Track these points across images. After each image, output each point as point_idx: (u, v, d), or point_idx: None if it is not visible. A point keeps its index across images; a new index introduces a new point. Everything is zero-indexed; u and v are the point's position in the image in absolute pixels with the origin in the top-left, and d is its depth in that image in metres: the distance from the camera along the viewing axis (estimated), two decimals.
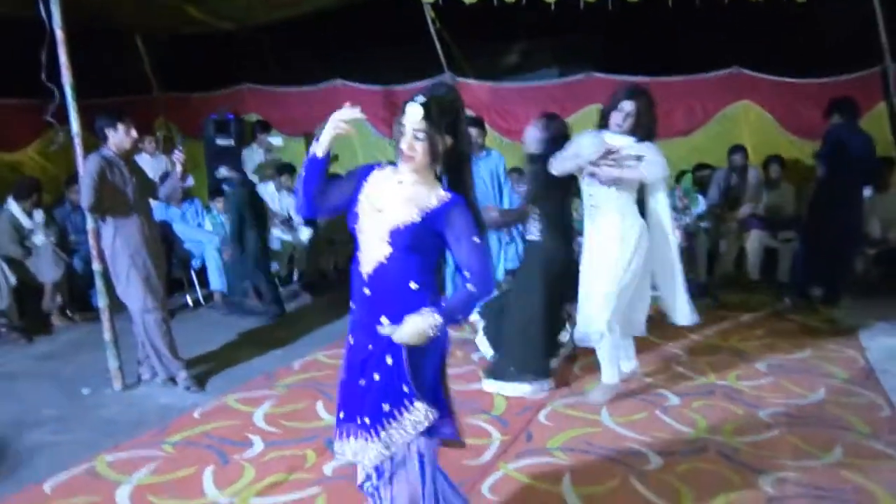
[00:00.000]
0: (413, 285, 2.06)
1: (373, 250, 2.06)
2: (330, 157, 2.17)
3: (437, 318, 1.98)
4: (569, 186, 3.87)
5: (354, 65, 8.19)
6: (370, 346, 2.09)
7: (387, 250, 2.04)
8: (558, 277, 3.92)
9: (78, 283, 5.71)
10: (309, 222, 6.74)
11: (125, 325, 4.28)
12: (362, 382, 2.10)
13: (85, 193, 3.89)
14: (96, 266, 4.10)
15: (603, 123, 3.63)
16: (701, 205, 6.40)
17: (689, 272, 5.64)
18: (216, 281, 5.97)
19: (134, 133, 4.02)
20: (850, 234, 5.44)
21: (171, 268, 5.52)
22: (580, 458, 3.16)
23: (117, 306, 4.20)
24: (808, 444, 3.24)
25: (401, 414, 2.07)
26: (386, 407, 2.07)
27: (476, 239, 2.02)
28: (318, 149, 2.14)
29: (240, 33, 8.05)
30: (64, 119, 4.08)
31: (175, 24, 7.62)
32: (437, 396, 2.17)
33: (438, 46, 7.21)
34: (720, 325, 5.14)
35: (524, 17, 7.02)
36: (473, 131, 5.13)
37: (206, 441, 3.45)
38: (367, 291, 2.08)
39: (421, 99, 1.98)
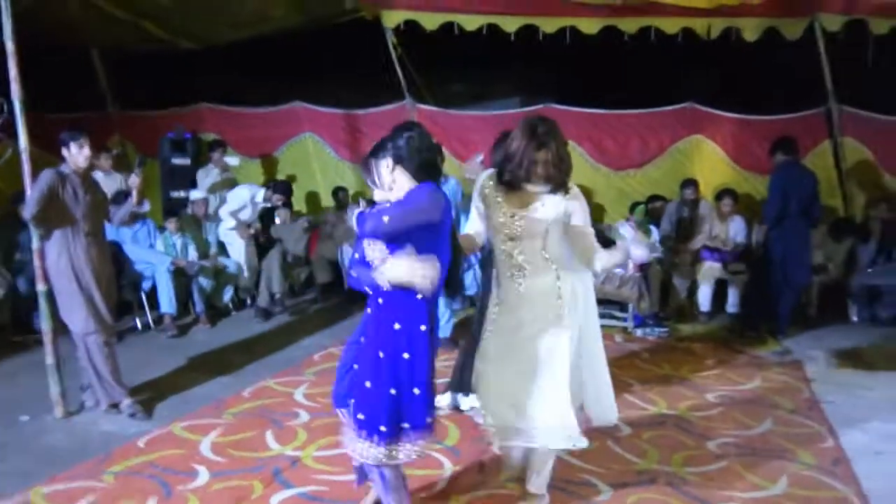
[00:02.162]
0: (419, 296, 2.35)
1: (375, 254, 2.42)
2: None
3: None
4: None
5: (315, 88, 8.18)
6: (361, 339, 2.50)
7: (384, 253, 2.39)
8: None
9: (21, 304, 5.51)
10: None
11: (70, 349, 4.13)
12: (368, 384, 2.43)
13: (29, 204, 3.80)
14: (40, 287, 3.97)
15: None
16: (654, 236, 6.52)
17: (641, 302, 5.80)
18: (166, 304, 5.82)
19: (87, 152, 3.93)
20: (797, 268, 5.61)
21: (121, 290, 5.36)
22: None
23: (62, 329, 4.06)
24: (755, 475, 3.29)
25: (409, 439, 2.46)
26: (406, 426, 2.45)
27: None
28: (382, 280, 2.37)
29: (200, 52, 7.96)
30: (12, 134, 3.97)
31: (133, 40, 7.50)
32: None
33: (400, 72, 7.25)
34: (672, 355, 5.22)
35: (485, 47, 7.12)
36: None
37: (150, 471, 3.34)
38: (380, 301, 2.42)
39: (384, 140, 2.51)
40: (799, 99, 6.73)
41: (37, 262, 3.96)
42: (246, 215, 6.70)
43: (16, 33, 3.82)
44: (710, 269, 6.35)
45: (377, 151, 2.46)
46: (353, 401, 2.47)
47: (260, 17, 6.90)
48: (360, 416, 2.43)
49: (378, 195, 2.52)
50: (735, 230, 6.49)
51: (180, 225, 6.15)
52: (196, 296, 6.10)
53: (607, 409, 3.04)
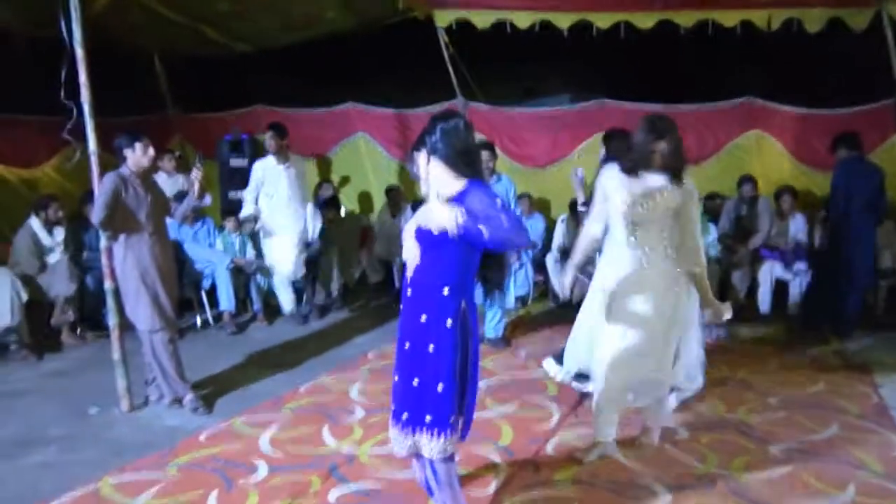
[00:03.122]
0: (444, 290, 2.38)
1: (409, 253, 2.44)
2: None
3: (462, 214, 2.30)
4: None
5: (367, 88, 8.27)
6: (407, 345, 2.46)
7: (416, 250, 2.41)
8: None
9: (89, 301, 5.74)
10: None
11: (135, 345, 4.29)
12: (396, 378, 2.51)
13: (97, 210, 3.93)
14: (108, 284, 4.12)
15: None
16: (712, 234, 6.37)
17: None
18: (225, 301, 5.97)
19: (151, 152, 4.07)
20: (861, 267, 5.41)
21: (182, 288, 5.53)
22: (587, 491, 3.12)
23: (128, 326, 4.21)
24: (820, 482, 3.19)
25: (431, 435, 2.45)
26: (427, 418, 2.43)
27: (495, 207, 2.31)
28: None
29: (255, 55, 8.14)
30: (81, 137, 4.13)
31: (192, 44, 7.72)
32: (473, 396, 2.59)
33: (451, 71, 7.26)
34: (730, 356, 5.09)
35: (537, 43, 7.07)
36: (485, 155, 5.15)
37: (212, 464, 3.44)
38: (409, 292, 2.46)
39: (426, 131, 2.46)
40: (862, 91, 6.49)
41: (104, 262, 4.11)
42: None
43: (84, 39, 3.99)
44: (769, 269, 6.18)
45: (416, 143, 2.49)
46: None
47: (313, 20, 7.02)
48: (392, 407, 2.57)
49: (423, 188, 2.54)
50: (796, 228, 6.29)
51: (238, 224, 6.29)
52: (254, 294, 6.25)
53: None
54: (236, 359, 5.25)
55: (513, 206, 5.38)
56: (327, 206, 6.96)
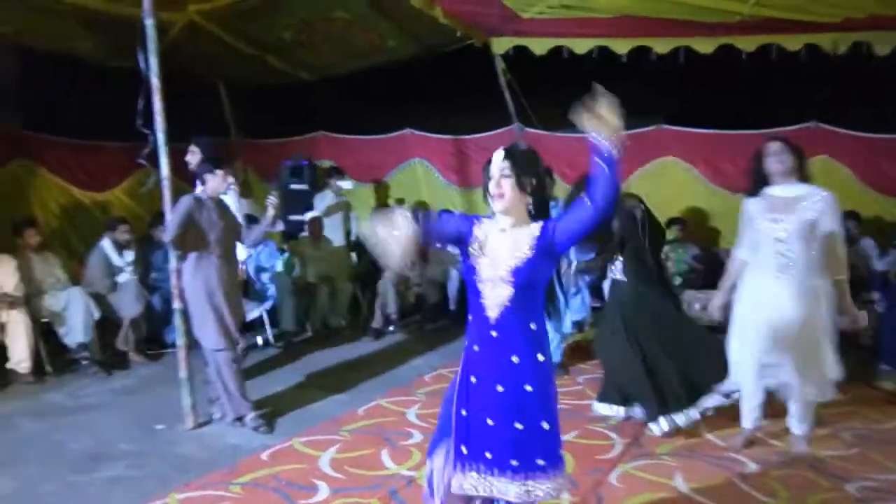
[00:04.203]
0: (532, 326, 2.27)
1: (496, 295, 2.25)
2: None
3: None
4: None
5: (424, 115, 8.39)
6: (500, 388, 2.27)
7: (509, 291, 2.22)
8: (641, 316, 4.07)
9: (155, 320, 5.93)
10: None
11: (199, 364, 4.39)
12: (490, 422, 2.27)
13: (170, 228, 4.08)
14: (176, 304, 4.25)
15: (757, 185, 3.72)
16: None
17: None
18: (286, 322, 6.09)
19: (231, 179, 4.23)
20: None
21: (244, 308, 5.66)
22: None
23: (193, 344, 4.32)
24: None
25: (546, 477, 2.27)
26: (540, 462, 2.26)
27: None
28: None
29: (316, 82, 8.37)
30: (154, 162, 4.30)
31: (256, 73, 7.99)
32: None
33: (508, 97, 7.30)
34: None
35: (592, 67, 7.06)
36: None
37: (274, 484, 3.48)
38: (493, 334, 2.27)
39: (502, 149, 2.30)
40: None
41: (174, 282, 4.24)
42: None
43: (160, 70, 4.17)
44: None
45: (502, 171, 2.29)
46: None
47: (373, 49, 7.20)
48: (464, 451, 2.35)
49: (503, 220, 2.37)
50: (865, 254, 6.05)
51: (299, 247, 6.43)
52: (313, 314, 6.35)
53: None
54: (295, 378, 5.33)
55: None
56: None
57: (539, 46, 6.79)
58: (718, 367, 3.87)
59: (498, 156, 2.27)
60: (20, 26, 6.04)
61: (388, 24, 6.62)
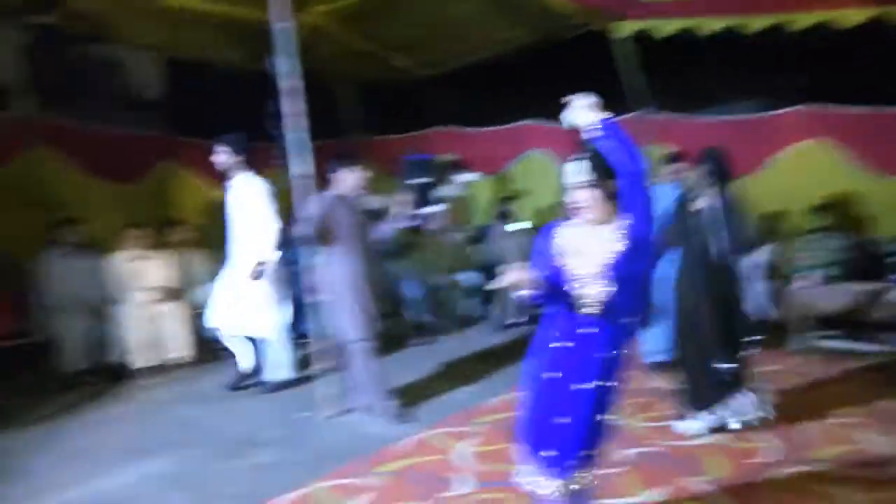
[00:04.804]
0: (628, 320, 2.30)
1: (591, 291, 2.26)
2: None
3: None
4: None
5: (543, 104, 8.25)
6: (577, 386, 2.30)
7: (605, 287, 2.24)
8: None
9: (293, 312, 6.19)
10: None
11: (338, 354, 4.53)
12: (566, 420, 2.31)
13: (307, 226, 4.25)
14: (316, 298, 4.41)
15: None
16: None
17: None
18: (419, 313, 6.22)
19: (363, 176, 4.35)
20: None
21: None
22: None
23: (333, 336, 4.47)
24: None
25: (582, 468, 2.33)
26: (581, 453, 2.32)
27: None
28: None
29: (434, 77, 8.45)
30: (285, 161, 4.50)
31: (374, 71, 8.18)
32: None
33: (631, 82, 7.06)
34: None
35: (717, 48, 6.71)
36: (678, 165, 5.00)
37: (413, 475, 3.55)
38: (586, 330, 2.29)
39: (575, 157, 2.29)
40: None
41: (313, 275, 4.41)
42: None
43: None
44: None
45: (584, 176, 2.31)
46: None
47: (492, 41, 7.17)
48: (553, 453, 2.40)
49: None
50: None
51: (426, 240, 6.53)
52: (442, 307, 6.44)
53: None
54: (429, 369, 5.44)
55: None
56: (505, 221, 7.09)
57: (665, 28, 6.51)
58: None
59: (581, 166, 2.26)
60: (167, 39, 6.49)
61: (507, 16, 6.56)
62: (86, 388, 5.21)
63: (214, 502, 3.34)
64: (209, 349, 5.84)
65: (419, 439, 4.03)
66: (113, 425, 4.50)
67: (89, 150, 6.58)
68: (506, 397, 4.67)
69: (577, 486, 2.34)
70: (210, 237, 7.28)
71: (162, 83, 9.63)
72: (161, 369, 5.58)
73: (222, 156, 4.99)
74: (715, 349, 3.80)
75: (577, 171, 2.27)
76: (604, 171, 2.24)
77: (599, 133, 2.22)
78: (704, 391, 3.85)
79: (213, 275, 6.02)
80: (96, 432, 4.36)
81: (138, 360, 5.42)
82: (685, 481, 3.30)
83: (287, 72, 4.33)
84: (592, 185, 2.24)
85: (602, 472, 2.48)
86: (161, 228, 6.11)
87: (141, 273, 5.59)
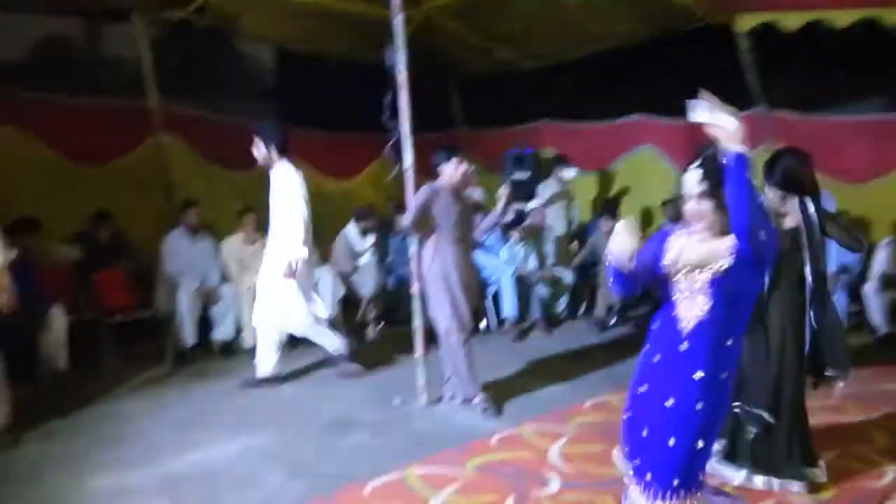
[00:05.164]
0: (728, 342, 2.18)
1: (692, 306, 2.19)
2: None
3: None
4: None
5: (655, 99, 7.98)
6: (669, 403, 2.19)
7: (707, 304, 2.16)
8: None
9: (389, 300, 6.33)
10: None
11: (433, 344, 4.58)
12: (644, 434, 2.25)
13: (408, 215, 4.31)
14: (415, 287, 4.46)
15: None
16: None
17: None
18: (509, 309, 6.19)
19: (464, 167, 4.35)
20: None
21: None
22: None
23: (429, 326, 4.51)
24: None
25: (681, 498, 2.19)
26: (675, 482, 2.18)
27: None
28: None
29: (541, 69, 8.34)
30: (396, 153, 4.55)
31: (482, 64, 8.16)
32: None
33: (751, 78, 6.70)
34: None
35: (844, 43, 6.23)
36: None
37: (505, 469, 3.53)
38: (682, 347, 2.20)
39: (695, 164, 2.18)
40: None
41: (413, 266, 4.47)
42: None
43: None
44: None
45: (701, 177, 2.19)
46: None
47: (604, 34, 6.99)
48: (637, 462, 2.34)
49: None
50: None
51: (523, 236, 6.48)
52: (534, 303, 6.38)
53: None
54: (518, 365, 5.39)
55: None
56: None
57: (792, 21, 6.12)
58: None
59: (693, 176, 2.16)
60: (287, 31, 6.75)
61: (623, 8, 6.38)
62: (197, 363, 5.52)
63: (310, 479, 3.44)
64: None
65: (511, 435, 4.00)
66: (220, 399, 4.73)
67: (209, 139, 6.94)
68: (599, 399, 4.59)
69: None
70: (316, 226, 7.56)
71: (276, 75, 10.02)
72: None
73: (257, 148, 4.76)
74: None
75: (691, 180, 2.17)
76: (717, 181, 2.12)
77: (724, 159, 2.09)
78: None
79: (318, 260, 6.26)
80: (204, 405, 4.61)
81: (247, 340, 5.67)
82: None
83: (401, 65, 4.39)
84: (705, 196, 2.15)
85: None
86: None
87: (254, 256, 5.85)
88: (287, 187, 4.73)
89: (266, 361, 4.94)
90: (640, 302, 6.50)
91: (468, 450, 3.77)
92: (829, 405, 4.39)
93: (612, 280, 2.37)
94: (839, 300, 5.76)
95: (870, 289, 5.71)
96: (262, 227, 6.06)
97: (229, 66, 9.57)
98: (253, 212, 6.01)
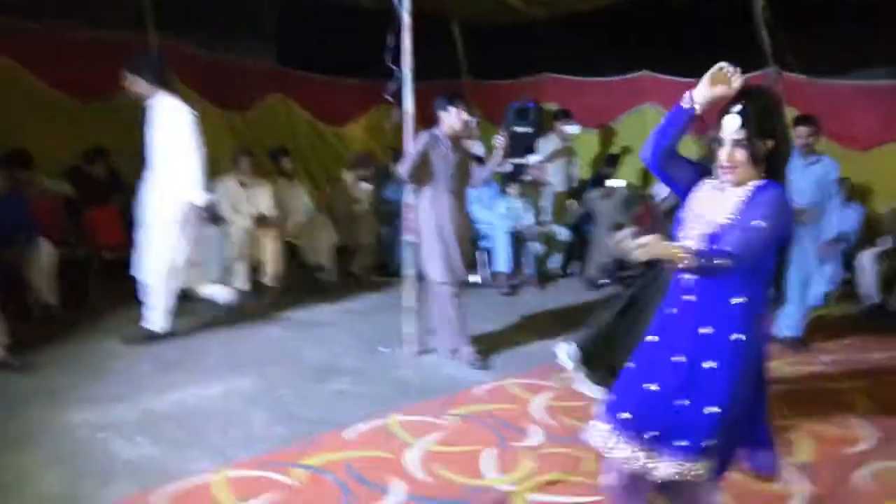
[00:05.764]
0: (734, 300, 1.98)
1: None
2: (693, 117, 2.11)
3: (686, 252, 1.87)
4: None
5: (662, 56, 7.80)
6: (683, 358, 2.03)
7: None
8: None
9: (383, 250, 6.29)
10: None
11: (423, 294, 4.54)
12: (654, 387, 2.05)
13: (406, 163, 4.22)
14: (407, 237, 4.40)
15: None
16: None
17: None
18: (503, 263, 6.15)
19: (465, 116, 4.24)
20: None
21: None
22: None
23: (420, 276, 4.47)
24: None
25: (690, 461, 2.03)
26: (683, 443, 2.02)
27: (756, 222, 1.90)
28: (688, 102, 2.10)
29: (545, 22, 8.11)
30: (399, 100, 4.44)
31: (488, 12, 7.93)
32: (755, 420, 2.12)
33: (765, 37, 6.50)
34: None
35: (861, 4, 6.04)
36: (803, 130, 4.57)
37: (488, 420, 3.53)
38: (688, 298, 2.05)
39: (738, 108, 1.96)
40: None
41: (407, 215, 4.39)
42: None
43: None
44: None
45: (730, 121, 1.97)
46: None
47: None
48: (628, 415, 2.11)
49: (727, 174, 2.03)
50: None
51: (521, 190, 6.40)
52: (528, 258, 6.34)
53: None
54: (509, 319, 5.38)
55: (833, 190, 4.68)
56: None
57: None
58: None
59: (732, 122, 1.95)
60: None
61: None
62: (184, 305, 5.48)
63: (293, 423, 3.44)
64: (298, 276, 6.03)
65: (496, 387, 4.01)
66: (204, 341, 4.70)
67: (205, 77, 6.78)
68: None
69: (679, 473, 2.04)
70: (312, 170, 7.48)
71: (278, 16, 9.78)
72: (255, 292, 5.79)
73: (132, 82, 4.27)
74: None
75: (730, 125, 1.97)
76: (758, 129, 1.94)
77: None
78: None
79: (308, 206, 6.20)
80: (190, 345, 4.59)
81: (236, 282, 5.63)
82: None
83: (408, 6, 4.25)
84: (741, 145, 1.95)
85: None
86: (268, 156, 6.28)
87: (247, 198, 5.78)
88: (174, 123, 4.25)
89: (159, 315, 4.52)
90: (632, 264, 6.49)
91: (452, 400, 3.77)
92: (815, 372, 4.40)
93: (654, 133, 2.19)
94: (834, 268, 5.73)
95: (867, 258, 5.67)
96: (258, 169, 6.04)
97: (231, 4, 9.35)
98: (249, 154, 5.91)
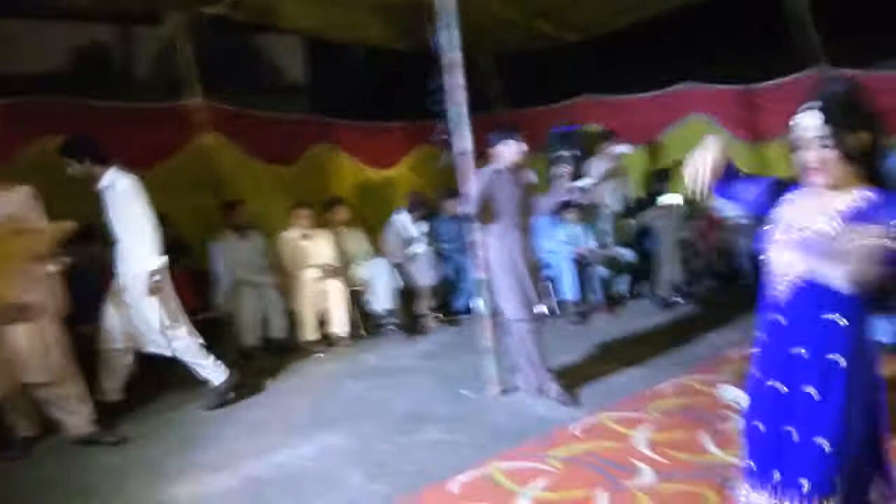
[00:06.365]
0: (830, 316, 1.78)
1: (786, 266, 1.85)
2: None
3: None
4: None
5: (700, 66, 7.70)
6: (784, 389, 1.87)
7: (800, 268, 1.80)
8: None
9: (446, 289, 6.23)
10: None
11: (500, 333, 4.45)
12: (761, 427, 1.92)
13: (471, 202, 4.17)
14: (481, 275, 4.34)
15: None
16: None
17: None
18: (569, 291, 6.04)
19: (524, 147, 4.19)
20: None
21: None
22: None
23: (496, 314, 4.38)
24: None
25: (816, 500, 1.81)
26: (805, 484, 1.81)
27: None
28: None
29: (576, 44, 8.09)
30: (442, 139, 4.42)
31: (519, 40, 7.94)
32: (875, 457, 1.87)
33: (812, 36, 6.38)
34: None
35: None
36: None
37: (591, 460, 3.41)
38: (780, 319, 1.87)
39: (814, 104, 1.77)
40: None
41: (477, 253, 4.33)
42: None
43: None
44: None
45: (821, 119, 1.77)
46: None
47: (645, 1, 6.73)
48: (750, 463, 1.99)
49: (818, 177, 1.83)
50: None
51: (579, 215, 6.32)
52: (595, 284, 6.23)
53: None
54: (585, 349, 5.26)
55: None
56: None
57: None
58: None
59: (811, 118, 1.76)
60: (318, 20, 6.62)
61: None
62: (258, 363, 5.48)
63: (392, 479, 3.37)
64: (367, 325, 6.01)
65: (590, 423, 3.88)
66: (288, 398, 4.69)
67: (251, 135, 6.86)
68: (675, 381, 4.44)
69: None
70: (364, 215, 7.49)
71: (306, 66, 9.95)
72: (326, 345, 5.76)
73: (72, 166, 4.13)
74: None
75: (809, 124, 1.78)
76: (844, 123, 1.74)
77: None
78: None
79: (368, 252, 6.20)
80: (273, 405, 4.57)
81: (306, 335, 5.63)
82: None
83: (447, 46, 4.25)
84: (824, 144, 1.76)
85: None
86: (322, 208, 6.30)
87: (308, 251, 5.80)
88: (123, 197, 4.14)
89: (210, 368, 4.47)
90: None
91: (549, 441, 3.66)
92: None
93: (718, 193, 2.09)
94: None
95: None
96: (316, 220, 6.07)
97: (262, 61, 9.53)
98: (304, 206, 5.94)
